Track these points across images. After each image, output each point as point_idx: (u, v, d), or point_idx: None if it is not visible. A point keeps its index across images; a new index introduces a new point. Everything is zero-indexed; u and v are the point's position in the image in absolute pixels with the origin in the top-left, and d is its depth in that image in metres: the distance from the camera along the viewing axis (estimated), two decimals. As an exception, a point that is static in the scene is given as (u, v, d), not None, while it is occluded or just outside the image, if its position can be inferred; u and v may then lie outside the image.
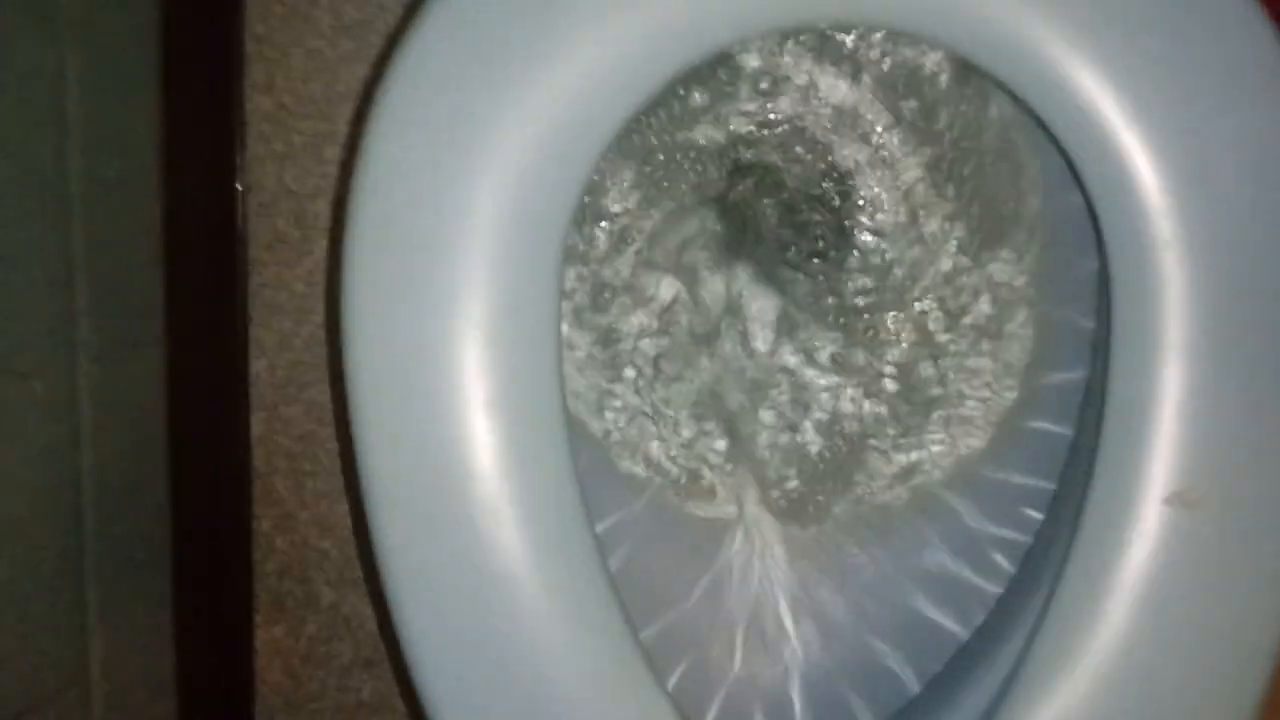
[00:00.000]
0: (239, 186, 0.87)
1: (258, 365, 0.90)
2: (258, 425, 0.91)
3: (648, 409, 0.63)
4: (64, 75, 0.67)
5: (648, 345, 0.63)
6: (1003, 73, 0.51)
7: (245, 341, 0.90)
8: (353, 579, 0.92)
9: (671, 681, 0.60)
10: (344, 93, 0.87)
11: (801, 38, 0.59)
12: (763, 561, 0.62)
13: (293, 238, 0.89)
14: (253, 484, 0.92)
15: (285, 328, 0.90)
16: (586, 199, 0.60)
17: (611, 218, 0.63)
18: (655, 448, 0.63)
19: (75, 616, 0.71)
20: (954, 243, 0.62)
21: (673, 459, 0.63)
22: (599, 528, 0.62)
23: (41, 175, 0.65)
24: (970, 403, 0.62)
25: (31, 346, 0.65)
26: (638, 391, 0.63)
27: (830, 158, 0.63)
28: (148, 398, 0.79)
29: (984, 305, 0.62)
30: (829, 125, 0.62)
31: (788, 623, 0.62)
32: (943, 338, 0.63)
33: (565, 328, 0.62)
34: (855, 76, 0.61)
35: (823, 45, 0.60)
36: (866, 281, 0.63)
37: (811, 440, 0.64)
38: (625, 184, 0.62)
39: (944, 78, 0.60)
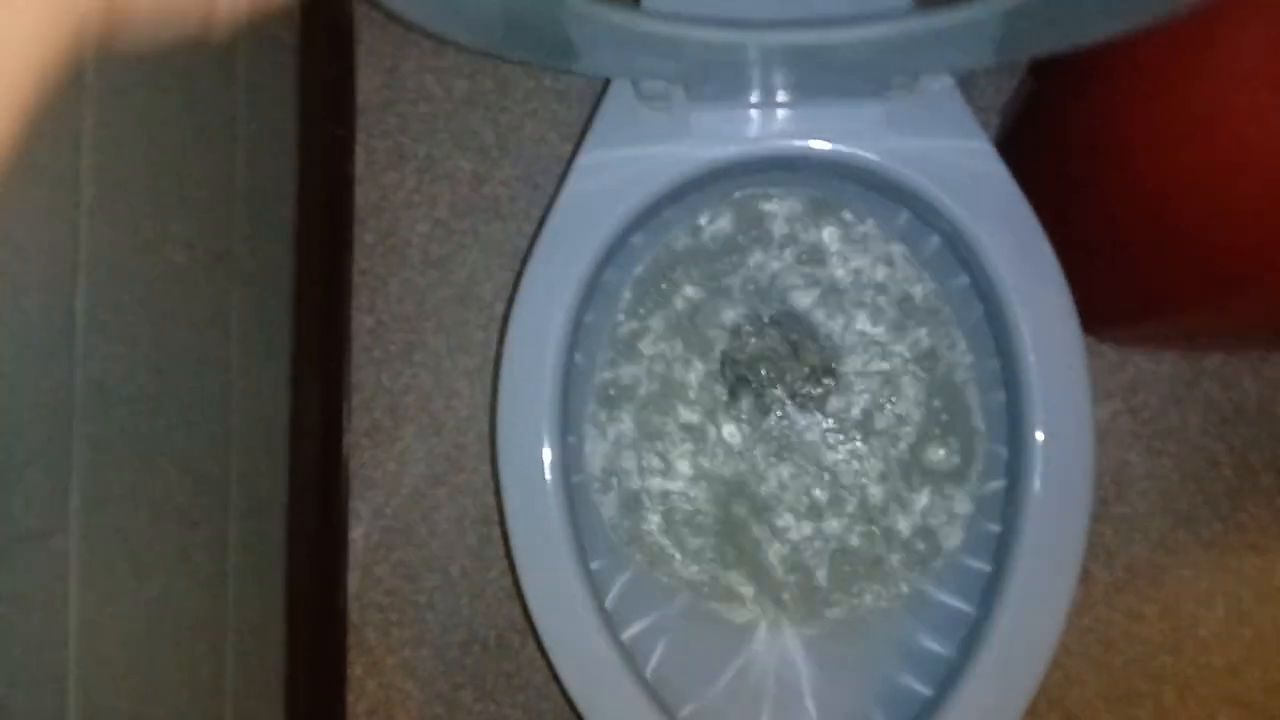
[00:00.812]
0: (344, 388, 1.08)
1: (355, 532, 1.09)
2: (353, 583, 1.09)
3: (678, 534, 0.81)
4: (230, 299, 0.89)
5: (677, 487, 0.81)
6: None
7: (345, 512, 1.09)
8: (432, 716, 1.07)
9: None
10: (429, 311, 1.09)
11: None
12: (781, 649, 0.78)
13: (386, 426, 1.09)
14: (348, 634, 1.09)
15: (378, 500, 1.09)
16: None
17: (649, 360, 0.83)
18: (686, 563, 0.80)
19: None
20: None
21: (701, 571, 0.80)
22: (639, 627, 0.79)
23: (213, 368, 0.87)
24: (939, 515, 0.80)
25: (199, 503, 0.85)
26: (666, 523, 0.81)
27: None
28: (274, 551, 0.98)
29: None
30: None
31: (804, 697, 0.77)
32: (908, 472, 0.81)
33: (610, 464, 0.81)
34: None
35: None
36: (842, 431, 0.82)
37: (814, 560, 0.81)
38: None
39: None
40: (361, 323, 1.10)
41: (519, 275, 0.74)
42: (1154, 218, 0.74)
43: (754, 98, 0.70)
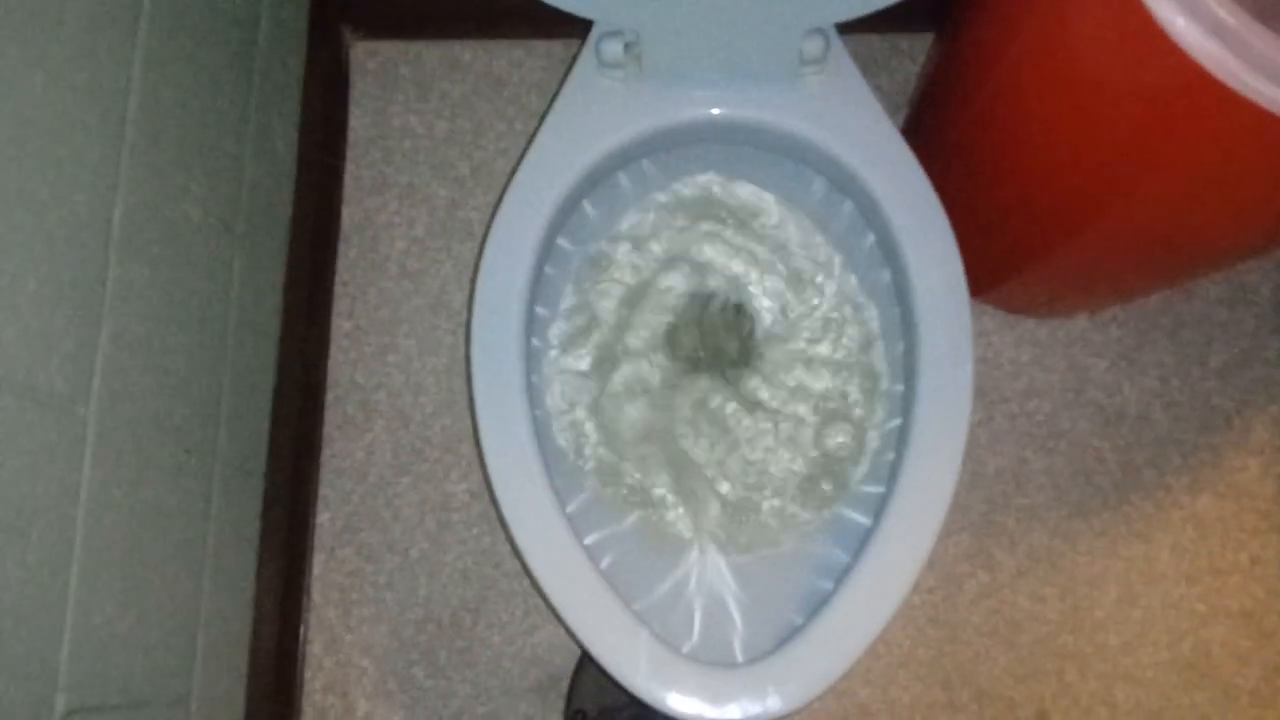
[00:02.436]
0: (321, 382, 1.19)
1: (322, 517, 1.17)
2: (318, 565, 1.16)
3: (628, 464, 0.91)
4: (232, 268, 1.01)
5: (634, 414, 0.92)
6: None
7: (315, 498, 1.17)
8: (385, 691, 1.13)
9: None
10: (404, 317, 1.21)
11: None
12: (710, 565, 0.88)
13: (358, 420, 1.19)
14: (309, 613, 1.15)
15: (346, 487, 1.17)
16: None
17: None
18: (635, 489, 0.90)
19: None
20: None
21: (646, 497, 0.90)
22: (589, 540, 0.88)
23: (214, 320, 0.97)
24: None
25: (193, 432, 0.93)
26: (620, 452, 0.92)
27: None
28: (250, 514, 1.06)
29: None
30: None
31: (726, 593, 0.86)
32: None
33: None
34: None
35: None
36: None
37: (738, 492, 0.91)
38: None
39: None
40: (340, 326, 1.21)
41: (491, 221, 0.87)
42: (1015, 177, 0.90)
43: (695, 73, 0.85)
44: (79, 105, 0.75)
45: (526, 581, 1.15)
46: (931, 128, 1.05)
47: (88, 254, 0.77)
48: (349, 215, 1.24)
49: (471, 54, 1.28)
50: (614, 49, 0.84)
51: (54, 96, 0.72)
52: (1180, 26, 0.64)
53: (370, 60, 1.27)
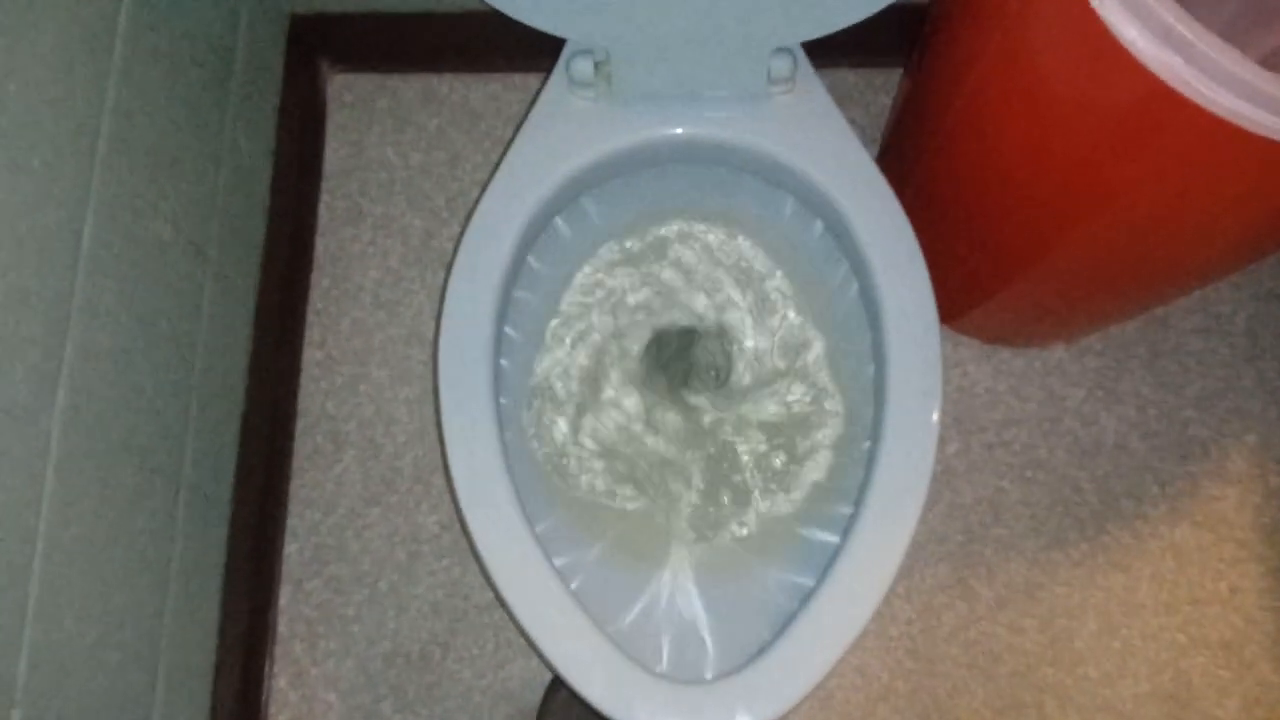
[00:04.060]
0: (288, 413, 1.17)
1: (290, 548, 1.15)
2: (285, 596, 1.13)
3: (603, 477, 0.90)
4: (203, 291, 1.00)
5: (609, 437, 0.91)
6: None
7: (283, 529, 1.15)
8: (351, 727, 1.10)
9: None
10: (376, 347, 1.20)
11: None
12: (680, 587, 0.86)
13: (327, 450, 1.17)
14: (275, 646, 1.12)
15: (315, 518, 1.16)
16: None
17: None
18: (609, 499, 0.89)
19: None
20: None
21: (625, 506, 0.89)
22: (558, 563, 0.87)
23: (183, 343, 0.96)
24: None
25: (158, 453, 0.92)
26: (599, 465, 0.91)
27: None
28: (214, 538, 1.03)
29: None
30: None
31: (695, 617, 0.85)
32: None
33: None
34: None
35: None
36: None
37: (708, 497, 0.90)
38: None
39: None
40: (312, 355, 1.20)
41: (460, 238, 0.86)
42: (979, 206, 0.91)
43: (664, 92, 0.86)
44: (52, 117, 0.75)
45: (496, 615, 1.13)
46: (902, 157, 1.06)
47: (56, 265, 0.76)
48: (323, 245, 1.23)
49: (448, 87, 1.28)
50: (584, 68, 0.84)
51: (27, 106, 0.72)
52: (1134, 36, 0.65)
53: (347, 92, 1.28)
